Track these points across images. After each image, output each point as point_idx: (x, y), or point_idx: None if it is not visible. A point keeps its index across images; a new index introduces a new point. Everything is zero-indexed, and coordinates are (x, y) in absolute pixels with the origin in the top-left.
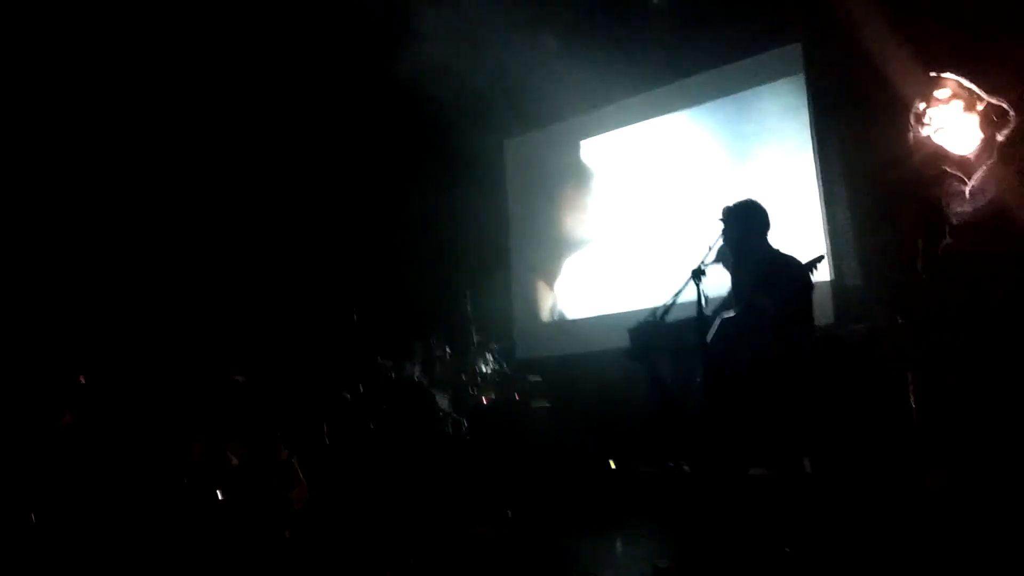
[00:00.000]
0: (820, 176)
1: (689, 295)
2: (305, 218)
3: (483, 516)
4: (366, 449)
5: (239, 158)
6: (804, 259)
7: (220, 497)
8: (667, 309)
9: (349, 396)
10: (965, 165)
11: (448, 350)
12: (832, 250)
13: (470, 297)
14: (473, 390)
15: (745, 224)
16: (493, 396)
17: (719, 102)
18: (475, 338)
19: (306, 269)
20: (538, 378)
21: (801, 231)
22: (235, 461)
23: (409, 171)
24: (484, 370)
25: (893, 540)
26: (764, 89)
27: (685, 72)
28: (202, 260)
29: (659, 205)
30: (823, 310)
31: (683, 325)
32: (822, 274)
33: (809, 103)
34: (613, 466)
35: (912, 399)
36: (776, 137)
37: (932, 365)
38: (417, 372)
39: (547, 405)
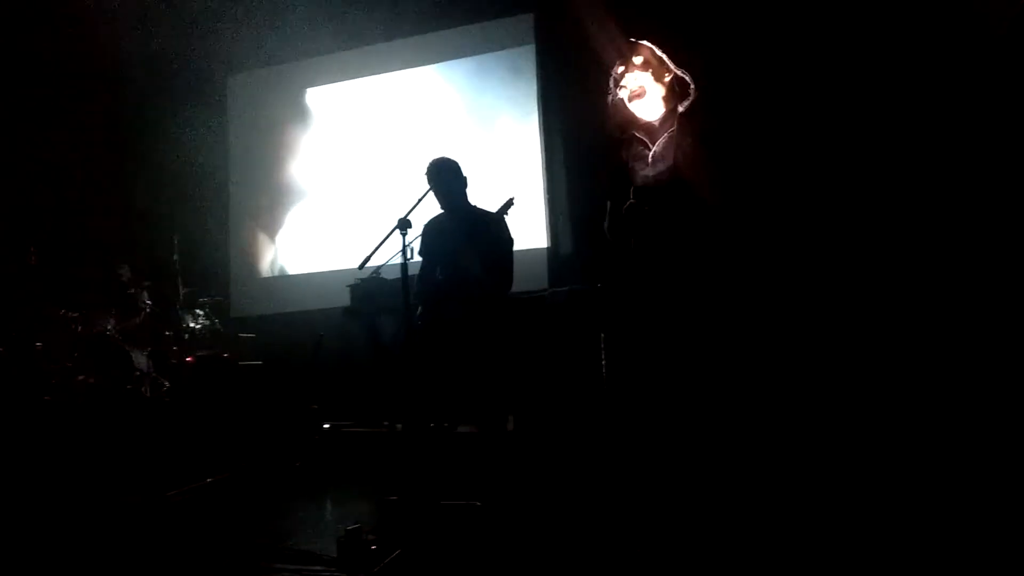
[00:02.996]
0: (543, 144)
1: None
2: None
3: (176, 482)
4: (37, 412)
5: None
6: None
7: None
8: (368, 259)
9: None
10: (650, 131)
11: (150, 303)
12: (550, 216)
13: (179, 244)
14: (178, 348)
15: (453, 179)
16: (201, 355)
17: (452, 63)
18: (182, 290)
19: None
20: (252, 335)
21: (524, 197)
22: None
23: (124, 97)
24: (192, 326)
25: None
26: (498, 55)
27: (417, 31)
28: None
29: (384, 162)
30: (538, 276)
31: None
32: (539, 240)
33: (537, 70)
34: (326, 427)
35: (603, 360)
36: (506, 102)
37: (622, 326)
38: (111, 326)
39: (259, 363)
